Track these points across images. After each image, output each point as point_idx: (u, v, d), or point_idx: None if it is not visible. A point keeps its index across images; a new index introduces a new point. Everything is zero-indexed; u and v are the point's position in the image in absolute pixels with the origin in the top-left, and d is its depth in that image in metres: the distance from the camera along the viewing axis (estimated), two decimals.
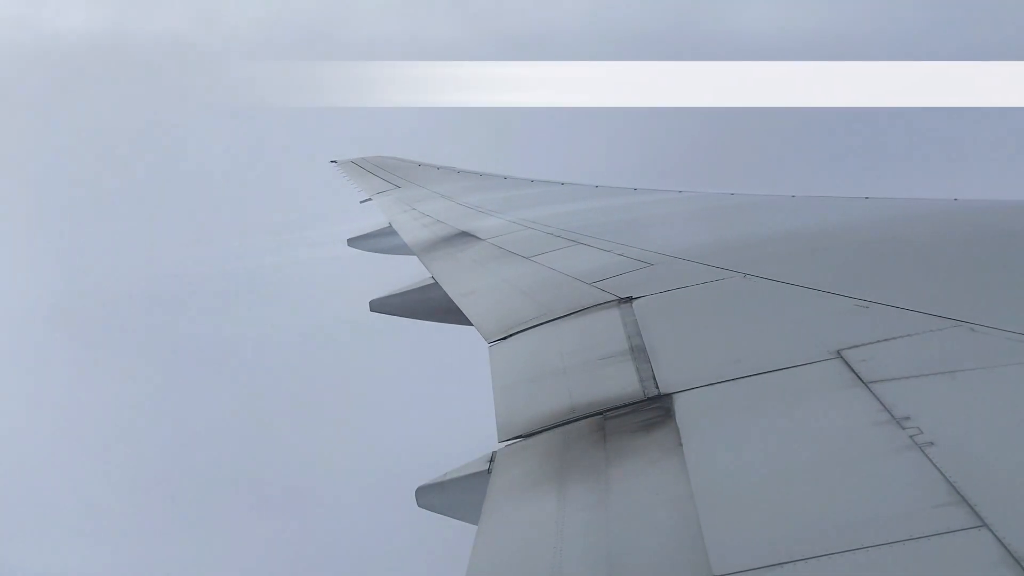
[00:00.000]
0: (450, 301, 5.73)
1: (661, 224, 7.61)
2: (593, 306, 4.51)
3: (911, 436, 2.30)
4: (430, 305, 6.27)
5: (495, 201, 10.39)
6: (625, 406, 3.09)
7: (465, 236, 8.08)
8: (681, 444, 2.65)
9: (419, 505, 3.28)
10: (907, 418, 2.40)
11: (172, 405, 18.85)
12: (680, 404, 2.96)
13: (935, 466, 2.13)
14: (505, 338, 4.47)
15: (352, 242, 10.96)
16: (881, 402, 2.53)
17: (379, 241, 10.52)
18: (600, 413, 3.13)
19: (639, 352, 3.59)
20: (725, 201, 8.03)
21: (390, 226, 10.51)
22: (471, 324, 5.01)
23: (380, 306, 6.73)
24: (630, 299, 4.40)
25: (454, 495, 3.15)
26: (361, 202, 13.85)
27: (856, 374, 2.79)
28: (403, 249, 9.04)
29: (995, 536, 1.82)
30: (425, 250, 7.93)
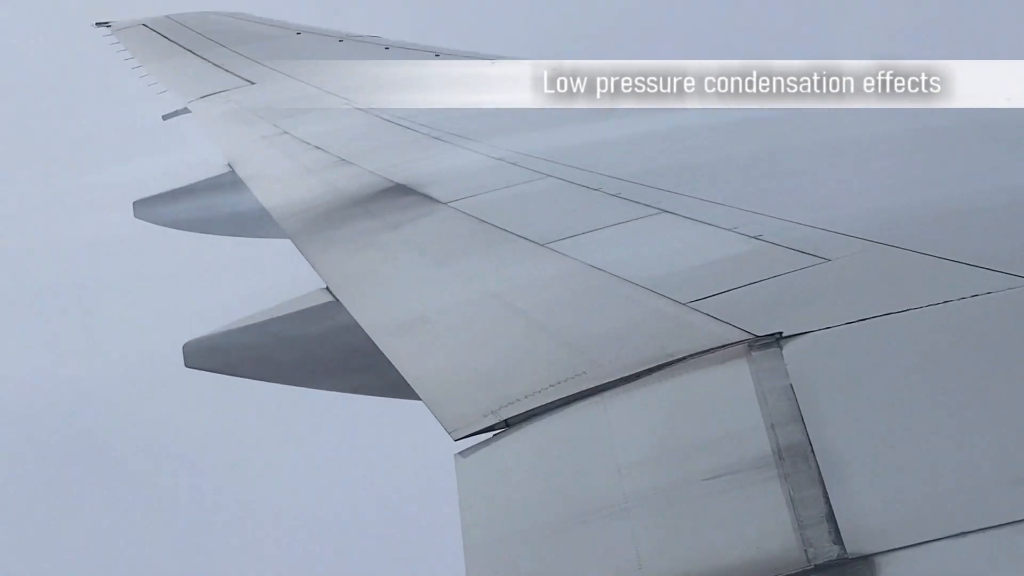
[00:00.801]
0: (366, 344, 4.70)
1: (835, 161, 5.47)
2: (690, 356, 3.74)
3: None
4: (317, 354, 5.05)
5: (462, 114, 7.41)
6: None
7: (402, 192, 6.25)
8: None
9: None
10: None
11: None
12: None
13: None
14: (491, 431, 3.70)
15: (142, 208, 8.24)
16: None
17: (202, 205, 8.01)
18: None
19: (797, 459, 3.00)
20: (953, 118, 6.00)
21: (231, 171, 7.97)
22: (416, 396, 4.16)
23: (203, 357, 5.22)
24: (777, 339, 3.70)
25: None
26: (164, 118, 10.64)
27: None
28: (256, 224, 7.01)
29: None
30: (307, 226, 6.24)
